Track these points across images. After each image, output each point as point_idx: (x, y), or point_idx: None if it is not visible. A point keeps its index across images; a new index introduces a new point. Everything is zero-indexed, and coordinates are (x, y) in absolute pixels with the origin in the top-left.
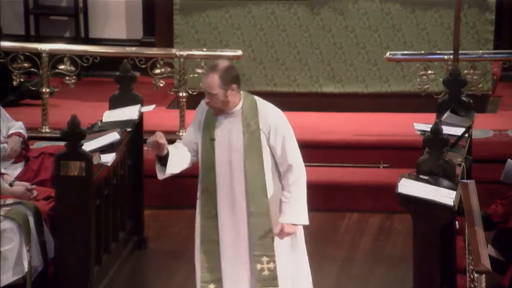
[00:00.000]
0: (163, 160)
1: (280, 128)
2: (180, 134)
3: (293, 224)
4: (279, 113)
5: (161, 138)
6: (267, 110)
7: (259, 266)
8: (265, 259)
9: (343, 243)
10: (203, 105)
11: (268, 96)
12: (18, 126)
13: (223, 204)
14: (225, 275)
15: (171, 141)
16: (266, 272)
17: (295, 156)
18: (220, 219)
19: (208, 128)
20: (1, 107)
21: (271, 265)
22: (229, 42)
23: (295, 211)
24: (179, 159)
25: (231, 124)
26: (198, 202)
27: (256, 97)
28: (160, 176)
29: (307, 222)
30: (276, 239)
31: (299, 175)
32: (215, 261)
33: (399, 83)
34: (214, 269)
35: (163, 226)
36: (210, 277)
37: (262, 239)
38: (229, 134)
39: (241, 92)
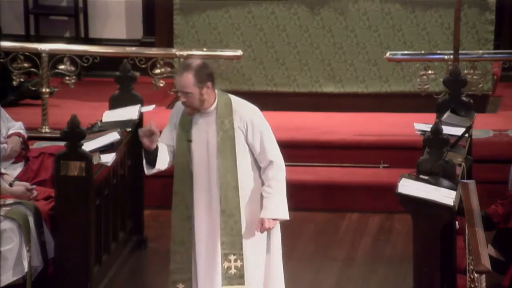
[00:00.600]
0: (151, 155)
1: (256, 124)
2: None
3: (273, 219)
4: (255, 110)
5: (154, 127)
6: (243, 108)
7: (226, 264)
8: (232, 257)
9: (343, 243)
10: (178, 106)
11: (268, 96)
12: (18, 127)
13: (200, 205)
14: (199, 276)
15: None
16: (233, 270)
17: (274, 152)
18: (196, 221)
19: (184, 130)
20: (1, 107)
21: (238, 263)
22: (229, 42)
23: (275, 205)
24: (166, 156)
25: (207, 124)
26: (172, 204)
27: (231, 96)
28: (149, 172)
29: (287, 217)
30: (249, 238)
31: (278, 170)
32: (185, 262)
33: (399, 83)
34: (184, 269)
35: (163, 226)
36: (179, 277)
37: (230, 237)
38: (206, 134)
39: (216, 90)
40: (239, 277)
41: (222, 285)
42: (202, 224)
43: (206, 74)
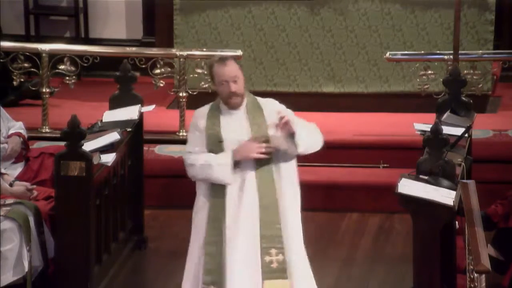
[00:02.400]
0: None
1: (281, 109)
2: (180, 134)
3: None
4: (276, 101)
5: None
6: (266, 101)
7: (267, 258)
8: (273, 251)
9: (343, 243)
10: (199, 113)
11: (268, 96)
12: (18, 126)
13: (232, 204)
14: (230, 275)
15: (171, 141)
16: (274, 264)
17: (304, 122)
18: (228, 219)
19: (213, 132)
20: (1, 107)
21: (280, 257)
22: (229, 42)
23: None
24: None
25: (236, 122)
26: (205, 206)
27: (249, 93)
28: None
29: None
30: (287, 231)
31: (316, 130)
32: (217, 263)
33: (399, 83)
34: (216, 271)
35: (163, 226)
36: (211, 279)
37: (270, 231)
38: (237, 133)
39: None
40: (281, 271)
41: (263, 279)
42: (234, 221)
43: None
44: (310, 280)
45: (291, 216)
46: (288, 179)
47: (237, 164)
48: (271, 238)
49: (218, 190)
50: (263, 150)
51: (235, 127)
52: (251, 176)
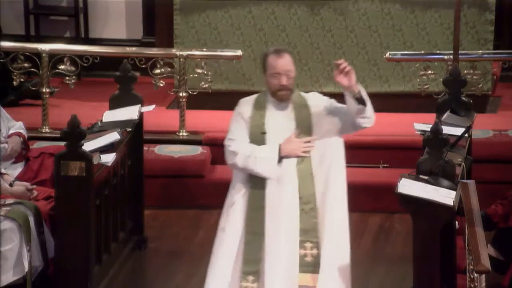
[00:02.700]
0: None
1: (324, 99)
2: (180, 134)
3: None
4: (321, 95)
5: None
6: (312, 95)
7: (302, 252)
8: (308, 244)
9: None
10: (244, 102)
11: None
12: (18, 126)
13: (272, 195)
14: (268, 266)
15: (171, 141)
16: (309, 258)
17: None
18: (267, 210)
19: (257, 123)
20: (1, 107)
21: (314, 251)
22: (229, 42)
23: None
24: None
25: (281, 116)
26: (243, 196)
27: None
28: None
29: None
30: (325, 226)
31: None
32: (256, 253)
33: (399, 83)
34: (255, 260)
35: (163, 226)
36: (250, 269)
37: (307, 224)
38: (281, 126)
39: None
40: (314, 265)
41: (299, 271)
42: (273, 213)
43: None
44: (340, 278)
45: (331, 211)
46: (333, 174)
47: (281, 160)
48: (307, 231)
49: (257, 180)
50: (308, 149)
51: (280, 120)
52: (291, 168)
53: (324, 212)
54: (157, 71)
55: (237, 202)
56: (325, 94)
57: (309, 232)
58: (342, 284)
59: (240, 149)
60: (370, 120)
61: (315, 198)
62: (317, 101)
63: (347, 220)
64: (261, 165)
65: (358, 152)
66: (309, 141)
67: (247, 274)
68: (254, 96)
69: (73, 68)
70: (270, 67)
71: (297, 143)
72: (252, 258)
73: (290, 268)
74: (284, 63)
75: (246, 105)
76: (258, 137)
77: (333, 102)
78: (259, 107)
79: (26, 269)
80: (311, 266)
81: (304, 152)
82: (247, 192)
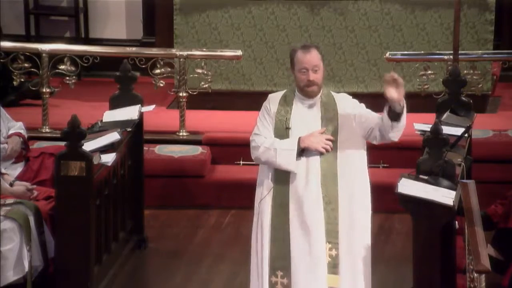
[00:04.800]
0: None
1: (356, 104)
2: (180, 134)
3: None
4: (346, 95)
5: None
6: (342, 96)
7: (327, 252)
8: (327, 245)
9: None
10: (273, 97)
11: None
12: (18, 127)
13: (295, 192)
14: (293, 263)
15: (171, 141)
16: (328, 259)
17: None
18: (291, 207)
19: (282, 118)
20: (1, 107)
21: (333, 252)
22: (229, 42)
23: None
24: None
25: (308, 113)
26: (270, 191)
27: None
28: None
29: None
30: (345, 228)
31: None
32: (283, 249)
33: None
34: (283, 256)
35: (163, 226)
36: (278, 264)
37: (328, 225)
38: (306, 122)
39: None
40: (333, 266)
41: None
42: (297, 210)
43: (323, 53)
44: (358, 280)
45: (353, 213)
46: (356, 176)
47: (302, 153)
48: (328, 232)
49: (282, 177)
50: (329, 146)
51: (306, 116)
52: (315, 166)
53: (349, 213)
54: (157, 71)
55: (264, 198)
56: None
57: (330, 232)
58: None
59: (262, 143)
60: (400, 134)
61: (337, 199)
62: (346, 103)
63: (369, 223)
64: (280, 156)
65: None
66: (331, 140)
67: (275, 270)
68: (282, 91)
69: (73, 68)
70: (298, 63)
71: (318, 137)
72: (279, 254)
73: (314, 268)
74: (312, 58)
75: (273, 100)
76: (282, 132)
77: (362, 107)
78: (286, 102)
79: (26, 269)
80: (330, 267)
81: (325, 148)
82: (273, 189)
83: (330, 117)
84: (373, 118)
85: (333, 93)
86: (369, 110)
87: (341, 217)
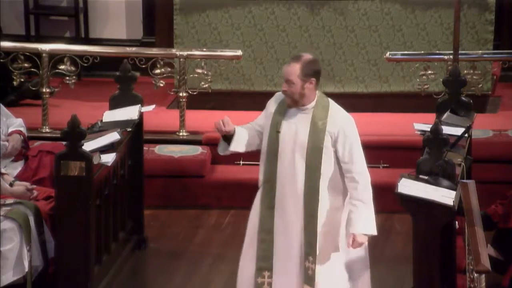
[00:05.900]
0: (228, 137)
1: (348, 134)
2: (180, 134)
3: (364, 234)
4: (350, 119)
5: (227, 125)
6: (339, 114)
7: (306, 264)
8: (310, 258)
9: None
10: (277, 96)
11: (268, 96)
12: (18, 124)
13: (281, 197)
14: (274, 266)
15: (171, 141)
16: (310, 272)
17: (362, 165)
18: (276, 211)
19: (276, 120)
20: (1, 105)
21: (313, 265)
22: (229, 42)
23: (364, 221)
24: (246, 140)
25: (299, 120)
26: (259, 192)
27: (330, 100)
28: (221, 152)
29: (375, 232)
30: (323, 242)
31: (366, 184)
32: (270, 250)
33: (399, 83)
34: (269, 257)
35: (163, 226)
36: (265, 265)
37: (310, 237)
38: (296, 131)
39: (317, 92)
40: (311, 279)
41: (303, 282)
42: (281, 215)
43: (312, 69)
44: None
45: (330, 227)
46: (333, 192)
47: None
48: (307, 244)
49: (268, 178)
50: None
51: (296, 122)
52: (300, 177)
53: (329, 228)
54: (157, 71)
55: (255, 201)
56: (325, 94)
57: (311, 245)
58: None
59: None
60: None
61: (317, 212)
62: (337, 123)
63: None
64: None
65: None
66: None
67: (262, 270)
68: None
69: (73, 68)
70: None
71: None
72: (265, 255)
73: (295, 274)
74: (286, 70)
75: (275, 100)
76: (273, 135)
77: (353, 144)
78: (283, 104)
79: (26, 269)
80: (309, 279)
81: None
82: (261, 190)
83: (317, 129)
84: (350, 168)
85: (331, 106)
86: (356, 154)
87: (320, 231)
